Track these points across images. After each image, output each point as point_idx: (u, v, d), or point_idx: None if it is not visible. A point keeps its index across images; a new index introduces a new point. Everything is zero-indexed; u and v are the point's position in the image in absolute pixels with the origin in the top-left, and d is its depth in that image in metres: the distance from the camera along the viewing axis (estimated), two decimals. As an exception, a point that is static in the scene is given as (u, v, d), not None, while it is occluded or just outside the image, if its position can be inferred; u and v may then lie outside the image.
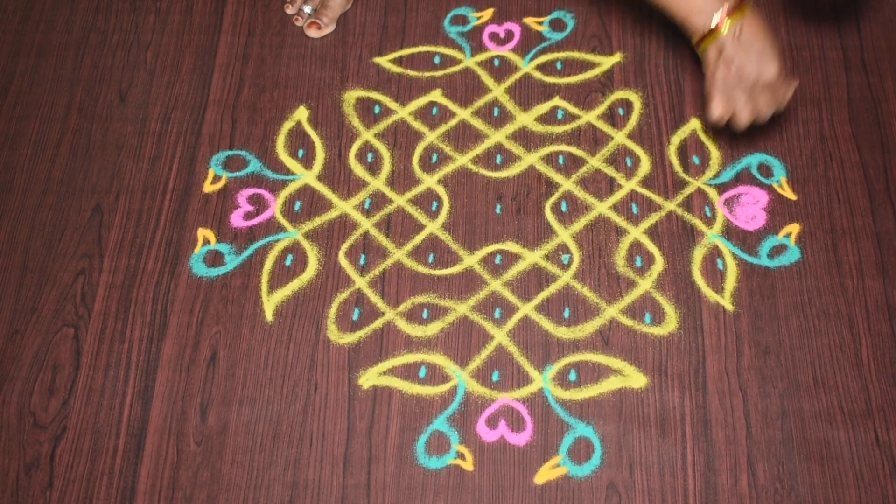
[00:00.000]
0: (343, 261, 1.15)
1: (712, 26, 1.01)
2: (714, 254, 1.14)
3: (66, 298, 1.13)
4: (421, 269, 1.14)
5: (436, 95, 1.27)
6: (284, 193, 1.20)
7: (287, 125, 1.25)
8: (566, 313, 1.11)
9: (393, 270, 1.14)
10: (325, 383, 1.07)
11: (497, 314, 1.11)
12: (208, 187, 1.21)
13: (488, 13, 1.34)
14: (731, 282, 1.12)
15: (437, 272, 1.14)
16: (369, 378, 1.07)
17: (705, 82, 1.09)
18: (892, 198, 1.17)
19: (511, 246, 1.16)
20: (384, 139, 1.24)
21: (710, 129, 1.15)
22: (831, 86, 1.26)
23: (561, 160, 1.21)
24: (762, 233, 1.15)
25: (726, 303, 1.11)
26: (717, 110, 1.06)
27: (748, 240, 1.15)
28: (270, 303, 1.12)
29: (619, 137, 1.23)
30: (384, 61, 1.30)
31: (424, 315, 1.11)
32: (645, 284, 1.12)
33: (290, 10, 1.34)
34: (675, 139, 1.22)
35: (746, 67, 1.04)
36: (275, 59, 1.31)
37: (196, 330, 1.11)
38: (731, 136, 1.21)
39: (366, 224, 1.18)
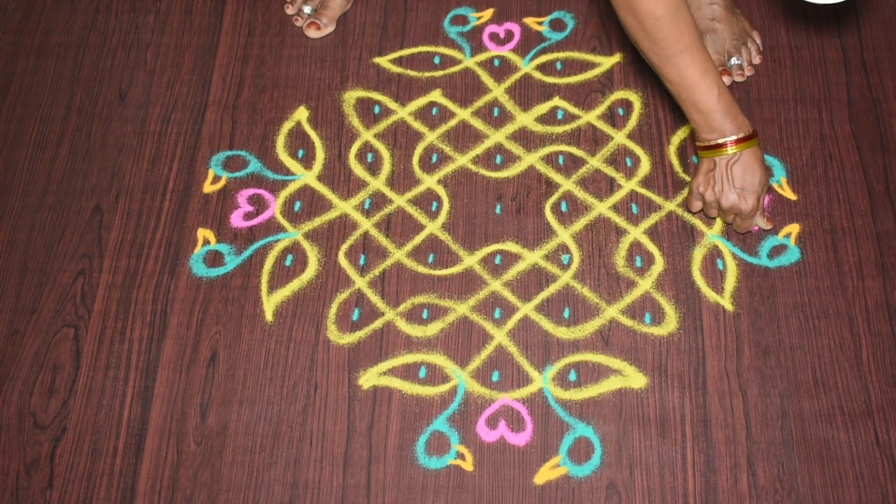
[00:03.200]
0: (343, 261, 1.15)
1: (720, 142, 1.06)
2: (714, 254, 1.14)
3: (66, 299, 1.13)
4: (421, 269, 1.14)
5: (436, 95, 1.27)
6: (284, 193, 1.20)
7: (287, 125, 1.25)
8: (566, 313, 1.11)
9: (393, 270, 1.14)
10: (325, 383, 1.07)
11: (497, 314, 1.11)
12: (208, 187, 1.21)
13: (488, 13, 1.34)
14: (731, 282, 1.12)
15: (437, 272, 1.14)
16: (369, 378, 1.08)
17: (693, 178, 1.12)
18: (892, 198, 1.17)
19: (511, 246, 1.16)
20: (384, 139, 1.24)
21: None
22: (831, 86, 1.26)
23: (561, 160, 1.21)
24: (762, 233, 1.15)
25: (726, 303, 1.11)
26: (695, 209, 1.15)
27: (748, 240, 1.15)
28: (270, 303, 1.12)
29: (619, 137, 1.23)
30: (384, 61, 1.30)
31: (424, 315, 1.11)
32: (645, 284, 1.12)
33: (289, 11, 1.34)
34: (675, 139, 1.22)
35: (726, 195, 1.09)
36: (275, 60, 1.31)
37: (196, 330, 1.11)
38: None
39: (366, 224, 1.18)
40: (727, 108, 1.04)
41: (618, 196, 1.19)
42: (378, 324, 1.11)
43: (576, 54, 1.30)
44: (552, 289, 1.13)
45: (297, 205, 1.19)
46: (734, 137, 1.05)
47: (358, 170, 1.22)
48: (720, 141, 1.06)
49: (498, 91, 1.27)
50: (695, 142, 1.10)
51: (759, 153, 1.07)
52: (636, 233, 1.16)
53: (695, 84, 1.03)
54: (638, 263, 1.14)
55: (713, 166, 1.08)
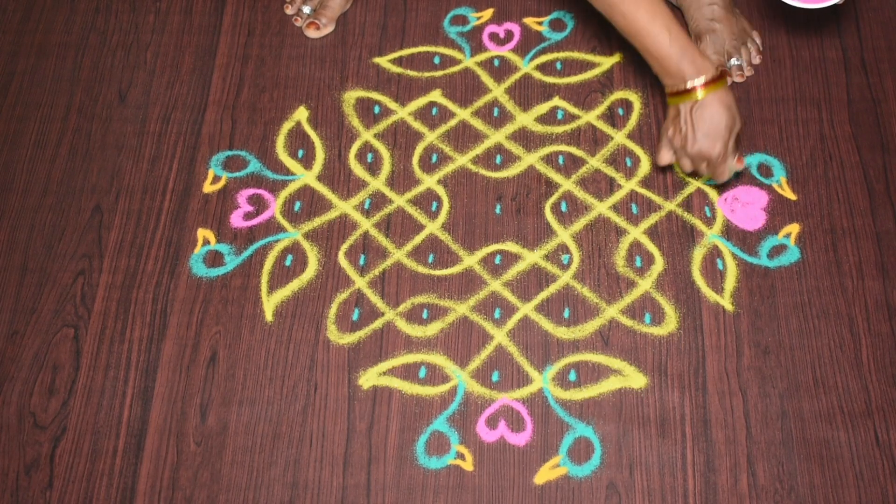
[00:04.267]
0: (343, 261, 1.15)
1: (687, 87, 1.06)
2: (714, 254, 1.14)
3: (66, 299, 1.13)
4: (421, 269, 1.14)
5: (436, 95, 1.27)
6: (284, 193, 1.20)
7: (287, 125, 1.25)
8: (566, 313, 1.11)
9: (393, 270, 1.14)
10: (325, 383, 1.07)
11: (497, 314, 1.11)
12: (208, 187, 1.21)
13: (488, 13, 1.34)
14: (730, 282, 1.12)
15: (437, 272, 1.14)
16: (369, 378, 1.08)
17: (662, 126, 1.12)
18: (892, 198, 1.17)
19: (511, 246, 1.16)
20: (384, 139, 1.24)
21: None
22: (831, 86, 1.26)
23: (561, 160, 1.21)
24: (762, 233, 1.15)
25: (726, 303, 1.11)
26: (663, 161, 1.14)
27: (748, 240, 1.15)
28: (270, 303, 1.12)
29: (619, 137, 1.23)
30: (384, 61, 1.30)
31: (424, 315, 1.11)
32: (645, 284, 1.12)
33: (289, 11, 1.34)
34: (675, 139, 1.22)
35: (692, 141, 1.08)
36: (275, 60, 1.31)
37: (196, 330, 1.11)
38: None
39: (366, 224, 1.18)
40: (682, 51, 1.03)
41: (618, 196, 1.19)
42: (378, 324, 1.11)
43: (576, 54, 1.30)
44: (552, 289, 1.13)
45: (297, 205, 1.19)
46: (695, 82, 1.04)
47: (358, 170, 1.22)
48: (682, 88, 1.05)
49: (498, 91, 1.27)
50: (665, 92, 1.10)
51: (726, 96, 1.06)
52: (636, 233, 1.16)
53: (643, 30, 1.03)
54: (638, 263, 1.14)
55: (678, 112, 1.07)
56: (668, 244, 1.15)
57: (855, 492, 1.00)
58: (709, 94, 1.05)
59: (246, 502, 1.01)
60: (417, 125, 1.25)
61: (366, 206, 1.19)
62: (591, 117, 1.24)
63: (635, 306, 1.11)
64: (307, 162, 1.22)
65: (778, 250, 1.14)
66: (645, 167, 1.20)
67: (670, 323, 1.10)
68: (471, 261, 1.15)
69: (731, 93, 1.07)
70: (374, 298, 1.12)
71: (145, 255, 1.16)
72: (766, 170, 1.20)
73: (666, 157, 1.13)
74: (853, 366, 1.06)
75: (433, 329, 1.10)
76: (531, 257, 1.15)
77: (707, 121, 1.06)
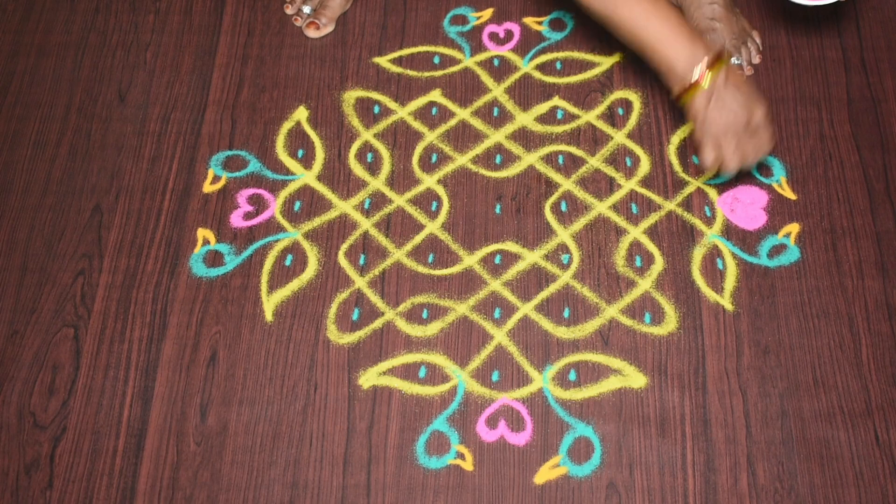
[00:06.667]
0: (343, 261, 1.15)
1: (693, 80, 1.06)
2: (714, 253, 1.14)
3: (66, 298, 1.13)
4: (421, 269, 1.14)
5: (435, 95, 1.27)
6: (284, 193, 1.20)
7: (287, 125, 1.25)
8: (566, 313, 1.11)
9: (393, 270, 1.14)
10: (325, 383, 1.07)
11: (497, 314, 1.11)
12: (208, 187, 1.21)
13: (488, 13, 1.34)
14: (730, 281, 1.12)
15: (437, 272, 1.14)
16: (369, 378, 1.08)
17: (694, 130, 1.11)
18: (891, 198, 1.17)
19: (511, 246, 1.16)
20: (384, 139, 1.24)
21: (702, 173, 1.17)
22: (831, 86, 1.26)
23: (561, 160, 1.21)
24: (762, 232, 1.15)
25: (726, 302, 1.11)
26: (710, 158, 1.10)
27: (748, 239, 1.15)
28: (270, 303, 1.12)
29: (619, 137, 1.23)
30: (384, 61, 1.30)
31: (424, 315, 1.11)
32: (645, 284, 1.12)
33: (289, 10, 1.34)
34: (675, 139, 1.22)
35: (737, 112, 1.07)
36: (274, 59, 1.31)
37: (196, 330, 1.11)
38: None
39: (365, 224, 1.18)
40: (691, 35, 1.06)
41: (617, 196, 1.19)
42: (378, 324, 1.11)
43: (575, 54, 1.30)
44: (552, 288, 1.13)
45: (297, 205, 1.19)
46: (707, 60, 1.06)
47: (358, 170, 1.22)
48: (697, 72, 1.06)
49: (497, 91, 1.27)
50: (678, 99, 1.09)
51: (733, 66, 1.07)
52: (636, 232, 1.16)
53: (651, 12, 1.04)
54: (638, 263, 1.14)
55: (710, 95, 1.06)
56: (668, 244, 1.15)
57: (855, 492, 1.00)
58: (720, 71, 1.06)
59: (246, 502, 1.01)
60: (417, 125, 1.25)
61: (366, 206, 1.19)
62: (591, 117, 1.24)
63: (635, 306, 1.11)
64: (307, 162, 1.22)
65: (778, 250, 1.14)
66: (645, 167, 1.20)
67: (670, 323, 1.10)
68: (471, 261, 1.15)
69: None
70: (374, 298, 1.12)
71: (145, 255, 1.16)
72: (766, 169, 1.20)
73: (710, 154, 1.09)
74: (853, 366, 1.06)
75: (433, 329, 1.10)
76: (531, 257, 1.15)
77: (742, 87, 1.07)
